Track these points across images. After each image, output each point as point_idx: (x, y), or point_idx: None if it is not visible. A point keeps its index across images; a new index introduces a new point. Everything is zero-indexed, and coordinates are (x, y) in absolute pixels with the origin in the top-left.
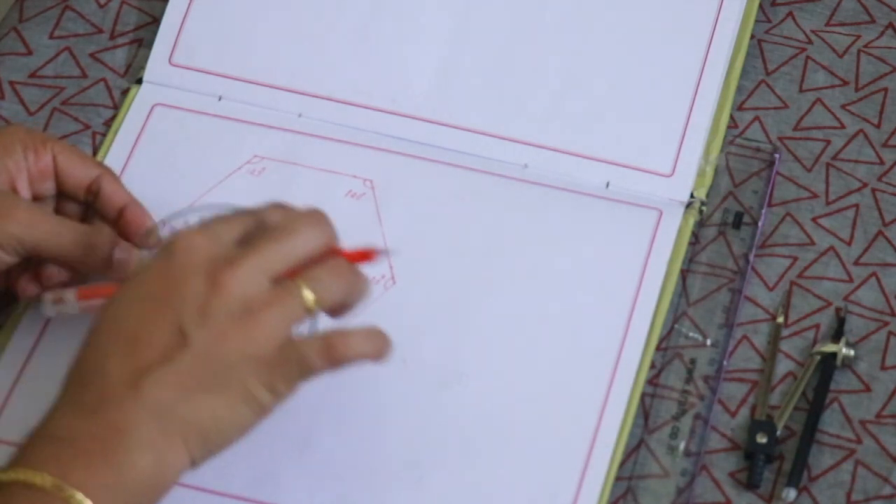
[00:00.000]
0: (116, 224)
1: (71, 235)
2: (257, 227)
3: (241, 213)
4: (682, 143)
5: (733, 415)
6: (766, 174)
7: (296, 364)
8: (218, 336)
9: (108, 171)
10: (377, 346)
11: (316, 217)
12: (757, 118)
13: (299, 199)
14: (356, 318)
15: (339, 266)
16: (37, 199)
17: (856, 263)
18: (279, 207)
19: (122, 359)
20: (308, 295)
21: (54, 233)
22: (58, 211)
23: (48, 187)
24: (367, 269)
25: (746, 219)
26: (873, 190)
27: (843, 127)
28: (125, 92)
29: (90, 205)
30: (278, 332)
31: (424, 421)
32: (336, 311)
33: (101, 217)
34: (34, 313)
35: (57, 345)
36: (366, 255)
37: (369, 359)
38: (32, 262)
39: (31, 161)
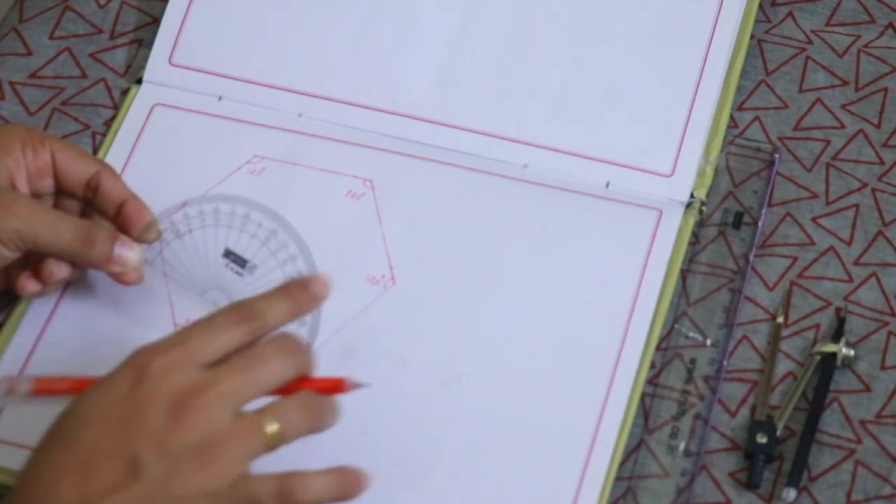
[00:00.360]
0: (116, 220)
1: (71, 230)
2: (238, 340)
3: (220, 318)
4: (682, 143)
5: (733, 415)
6: (766, 174)
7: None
8: (173, 471)
9: (107, 167)
10: (343, 487)
11: (290, 345)
12: (757, 118)
13: (299, 199)
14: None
15: (307, 399)
16: (36, 196)
17: (856, 263)
18: (269, 296)
19: (74, 483)
20: (272, 430)
21: (54, 227)
22: (57, 208)
23: (47, 184)
24: (368, 270)
25: (746, 219)
26: (873, 190)
27: (843, 127)
28: (125, 92)
29: (89, 201)
30: (235, 468)
31: (424, 421)
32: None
33: (101, 213)
34: (34, 314)
35: (57, 345)
36: (338, 387)
37: (333, 501)
38: (32, 259)
39: (30, 158)
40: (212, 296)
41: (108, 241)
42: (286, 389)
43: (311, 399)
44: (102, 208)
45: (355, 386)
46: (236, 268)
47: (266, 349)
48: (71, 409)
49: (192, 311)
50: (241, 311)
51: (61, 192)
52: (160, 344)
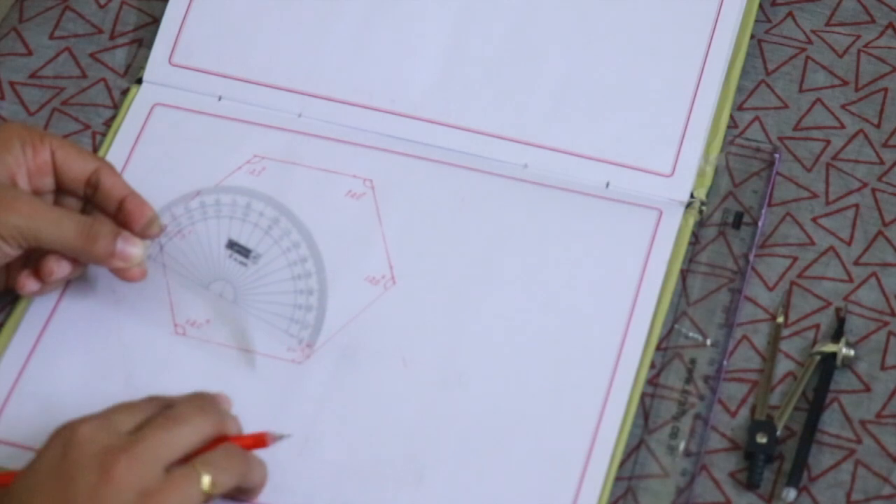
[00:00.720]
0: (117, 216)
1: (73, 226)
2: (153, 415)
3: (147, 400)
4: (682, 143)
5: (733, 415)
6: (766, 174)
7: None
8: None
9: (107, 164)
10: None
11: (203, 404)
12: (757, 118)
13: (299, 198)
14: None
15: (232, 451)
16: (36, 194)
17: (856, 263)
18: (186, 396)
19: None
20: (205, 479)
21: (57, 223)
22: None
23: (47, 182)
24: (368, 270)
25: (746, 219)
26: (873, 190)
27: (843, 127)
28: (125, 92)
29: (89, 199)
30: None
31: (424, 421)
32: (235, 495)
33: (102, 210)
34: (34, 314)
35: (57, 346)
36: (259, 442)
37: None
38: (32, 258)
39: (30, 156)
40: (217, 287)
41: (111, 237)
42: (209, 447)
43: (235, 450)
44: (103, 205)
45: (277, 438)
46: (240, 258)
47: (183, 408)
48: (8, 495)
49: (194, 306)
50: (161, 401)
51: (61, 191)
52: (83, 418)
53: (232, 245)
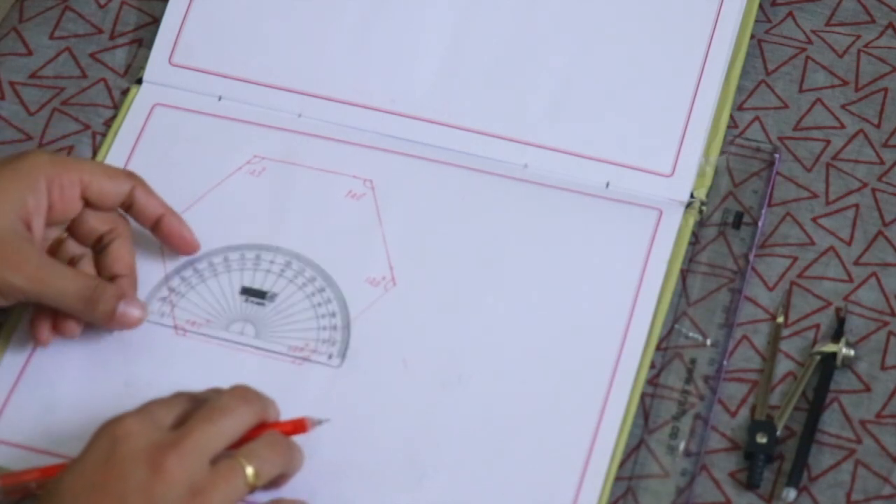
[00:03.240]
0: (154, 233)
1: (75, 290)
2: (193, 408)
3: (177, 396)
4: (682, 143)
5: (733, 415)
6: (766, 174)
7: None
8: None
9: (139, 181)
10: None
11: (246, 394)
12: (757, 118)
13: (299, 200)
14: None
15: (275, 440)
16: (59, 223)
17: (856, 263)
18: (212, 390)
19: None
20: (249, 470)
21: (59, 287)
22: (77, 228)
23: (72, 210)
24: (368, 271)
25: (746, 219)
26: (873, 190)
27: (843, 127)
28: (125, 92)
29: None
30: None
31: (424, 421)
32: (275, 483)
33: (139, 222)
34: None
35: (57, 346)
36: (299, 427)
37: None
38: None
39: (57, 195)
40: (236, 327)
41: (113, 301)
42: (249, 436)
43: (279, 438)
44: (139, 221)
45: (316, 423)
46: (256, 300)
47: (226, 400)
48: (55, 488)
49: (195, 306)
50: (189, 395)
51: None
52: (125, 414)
53: (246, 291)
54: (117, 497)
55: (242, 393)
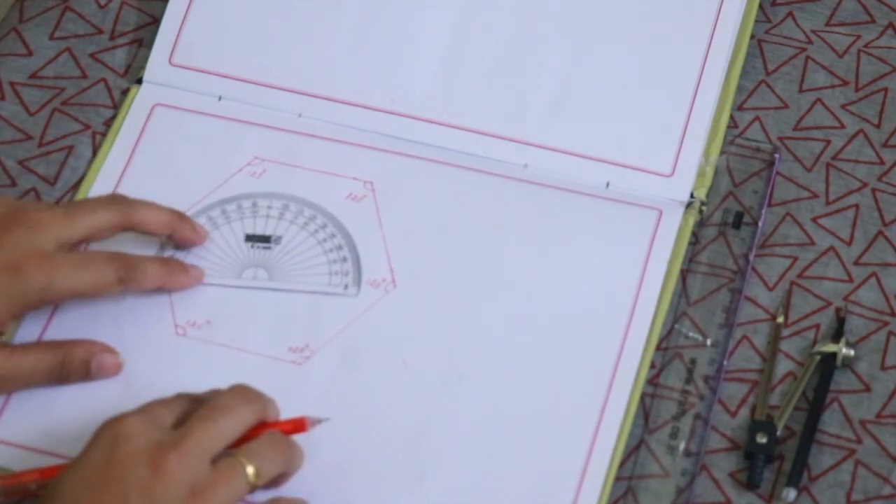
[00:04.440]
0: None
1: (46, 369)
2: (193, 409)
3: (178, 397)
4: (682, 143)
5: (733, 415)
6: (766, 174)
7: None
8: None
9: (128, 213)
10: None
11: (246, 393)
12: (757, 118)
13: (300, 202)
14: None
15: (275, 439)
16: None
17: (856, 263)
18: (213, 391)
19: None
20: (250, 469)
21: (30, 368)
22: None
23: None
24: (369, 273)
25: (746, 219)
26: (873, 190)
27: (843, 127)
28: (125, 92)
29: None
30: None
31: (424, 421)
32: (275, 482)
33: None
34: (34, 315)
35: None
36: (299, 426)
37: None
38: None
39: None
40: (249, 273)
41: (82, 368)
42: (249, 435)
43: (279, 437)
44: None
45: (316, 423)
46: (262, 245)
47: (226, 399)
48: (55, 488)
49: (195, 306)
50: (190, 397)
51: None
52: (126, 413)
53: (250, 238)
54: (118, 497)
55: (243, 392)
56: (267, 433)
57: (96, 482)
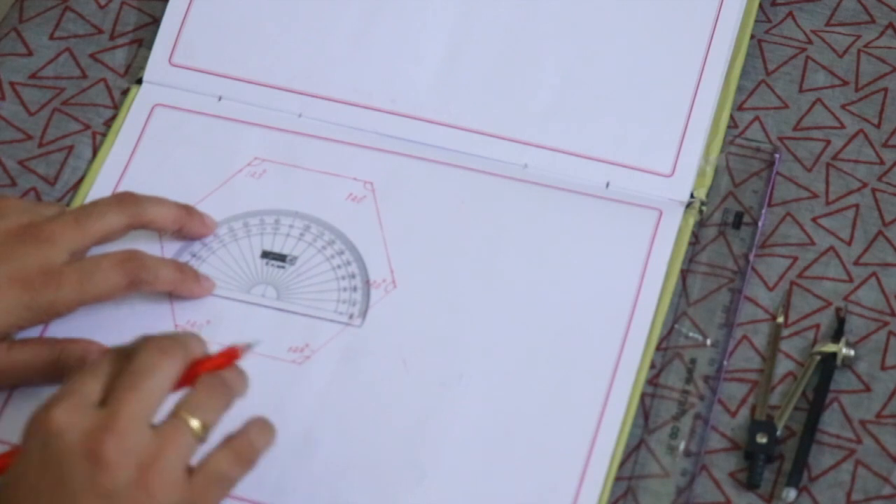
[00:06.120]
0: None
1: (40, 368)
2: (117, 369)
3: (102, 359)
4: (682, 143)
5: (733, 415)
6: (766, 174)
7: (216, 485)
8: None
9: (136, 214)
10: (272, 435)
11: (161, 344)
12: (757, 118)
13: (300, 203)
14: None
15: (210, 382)
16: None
17: (856, 263)
18: (142, 337)
19: None
20: (195, 424)
21: (22, 372)
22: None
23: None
24: (370, 274)
25: (746, 219)
26: (873, 190)
27: (843, 127)
28: (125, 92)
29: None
30: (179, 472)
31: (425, 421)
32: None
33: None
34: None
35: None
36: (231, 356)
37: (268, 448)
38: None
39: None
40: (258, 290)
41: (78, 359)
42: (183, 380)
43: (214, 379)
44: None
45: (247, 348)
46: (277, 263)
47: (144, 358)
48: (4, 495)
49: (195, 307)
50: (118, 351)
51: None
52: (50, 402)
53: (266, 254)
54: (66, 497)
55: (158, 344)
56: (200, 379)
57: (41, 487)
